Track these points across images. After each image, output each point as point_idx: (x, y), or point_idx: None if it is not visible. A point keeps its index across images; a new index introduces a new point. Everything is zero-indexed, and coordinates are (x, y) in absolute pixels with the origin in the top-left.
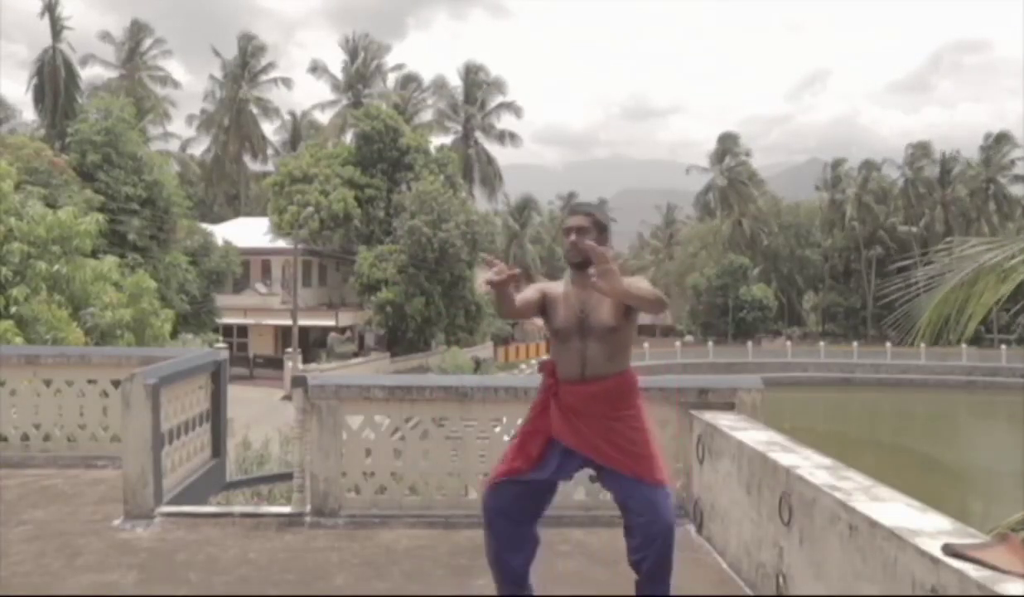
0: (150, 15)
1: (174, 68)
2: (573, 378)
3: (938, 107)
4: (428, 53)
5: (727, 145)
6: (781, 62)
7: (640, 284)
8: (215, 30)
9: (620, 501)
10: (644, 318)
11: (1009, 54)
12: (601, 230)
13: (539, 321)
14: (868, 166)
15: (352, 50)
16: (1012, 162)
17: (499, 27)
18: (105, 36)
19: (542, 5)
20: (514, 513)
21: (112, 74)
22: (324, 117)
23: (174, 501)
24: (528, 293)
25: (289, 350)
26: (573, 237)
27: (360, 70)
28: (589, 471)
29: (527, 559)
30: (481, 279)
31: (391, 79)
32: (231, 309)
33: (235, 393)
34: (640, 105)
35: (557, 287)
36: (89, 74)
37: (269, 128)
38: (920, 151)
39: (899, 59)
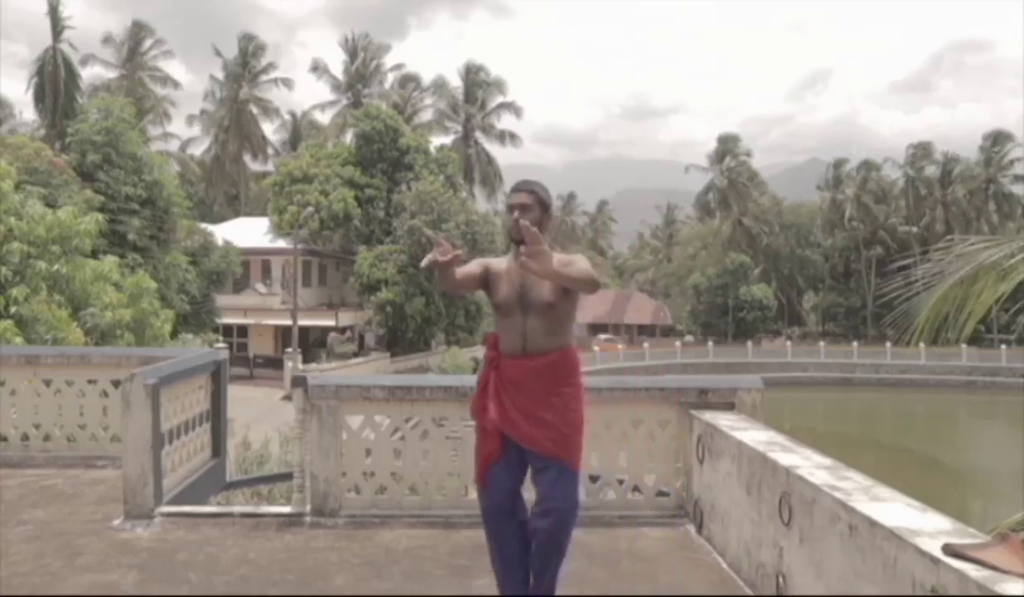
0: (152, 15)
1: (175, 68)
2: (515, 352)
3: (940, 107)
4: (429, 53)
5: (727, 145)
6: (783, 62)
7: (579, 264)
8: (217, 30)
9: (532, 479)
10: (644, 318)
11: (1011, 54)
12: (544, 209)
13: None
14: (867, 166)
15: (352, 50)
16: (1012, 162)
17: (501, 27)
18: (106, 37)
19: (544, 4)
20: (510, 505)
21: (112, 74)
22: (324, 117)
23: (174, 501)
24: (471, 267)
25: (289, 350)
26: (516, 214)
27: (360, 70)
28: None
29: (527, 555)
30: (425, 260)
31: (391, 79)
32: (231, 309)
33: (235, 393)
34: (641, 105)
35: (500, 263)
36: (89, 74)
37: (269, 128)
38: (921, 151)
39: (901, 59)
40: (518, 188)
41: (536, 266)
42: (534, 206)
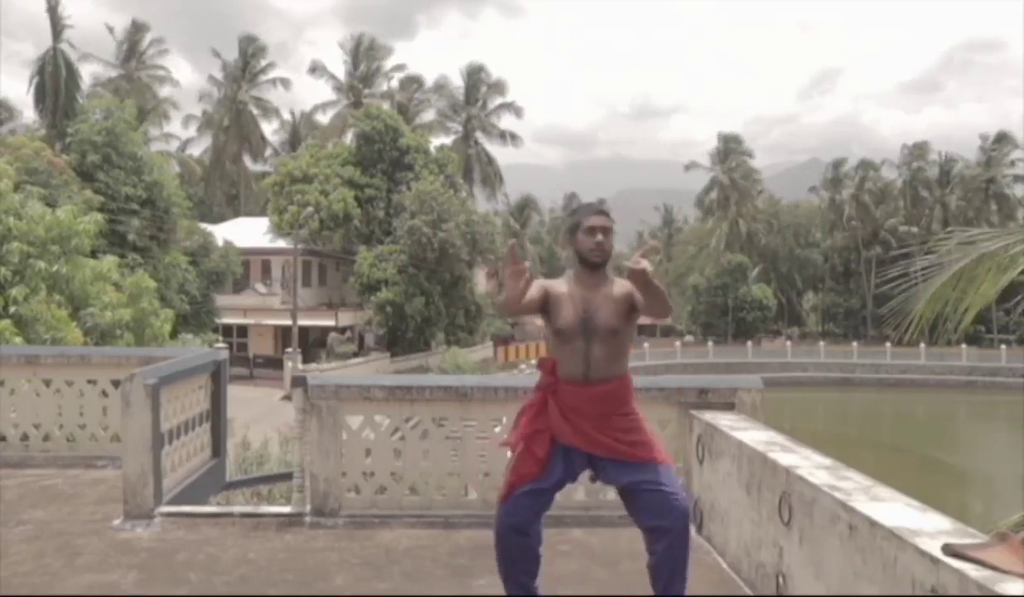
0: (158, 14)
1: (182, 67)
2: (576, 379)
3: (942, 107)
4: (438, 52)
5: (727, 145)
6: (791, 62)
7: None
8: (225, 29)
9: (626, 485)
10: (644, 318)
11: (1018, 54)
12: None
13: (538, 320)
14: (865, 166)
15: (355, 51)
16: (1013, 162)
17: (510, 26)
18: (108, 36)
19: (553, 3)
20: (526, 527)
21: (113, 74)
22: (326, 118)
23: (174, 501)
24: (531, 291)
25: (289, 350)
26: (600, 237)
27: (363, 71)
28: (589, 472)
29: (537, 570)
30: (486, 281)
31: (393, 80)
32: (231, 309)
33: (235, 393)
34: (644, 104)
35: (560, 286)
36: (90, 74)
37: (269, 129)
38: (917, 151)
39: (911, 59)
40: (598, 210)
41: (641, 271)
42: (612, 229)
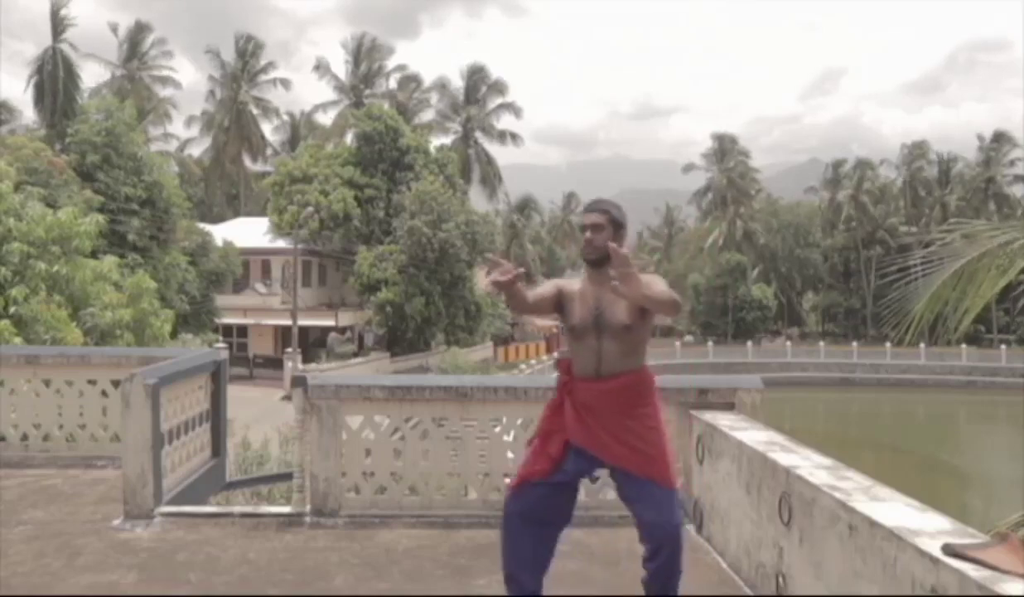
0: (161, 13)
1: (185, 67)
2: (588, 375)
3: (950, 107)
4: (441, 52)
5: (723, 145)
6: (793, 62)
7: (656, 286)
8: (228, 29)
9: (628, 501)
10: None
11: (1021, 54)
12: (617, 228)
13: (540, 321)
14: (863, 166)
15: (356, 51)
16: (1012, 162)
17: (514, 26)
18: (111, 36)
19: (557, 3)
20: (531, 514)
21: (116, 73)
22: (327, 118)
23: (174, 501)
24: (544, 290)
25: (289, 350)
26: (588, 235)
27: (364, 71)
28: (601, 471)
29: (539, 571)
30: (482, 280)
31: (393, 80)
32: (231, 309)
33: (235, 393)
34: (645, 104)
35: (573, 285)
36: (91, 74)
37: (268, 128)
38: (917, 151)
39: (916, 58)
40: (590, 208)
41: (625, 289)
42: (606, 226)
